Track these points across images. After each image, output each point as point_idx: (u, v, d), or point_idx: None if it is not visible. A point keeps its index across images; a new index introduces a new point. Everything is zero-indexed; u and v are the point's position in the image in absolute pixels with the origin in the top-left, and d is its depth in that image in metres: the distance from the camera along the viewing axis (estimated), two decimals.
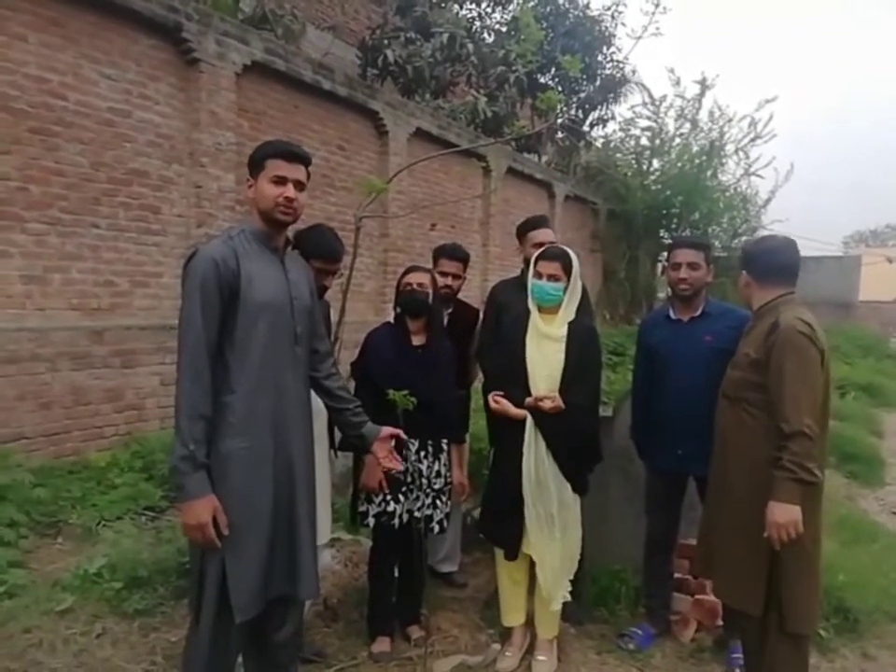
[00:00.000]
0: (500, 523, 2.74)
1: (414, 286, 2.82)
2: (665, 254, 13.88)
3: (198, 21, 5.18)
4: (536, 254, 2.79)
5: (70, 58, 4.53)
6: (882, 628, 3.16)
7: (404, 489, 2.75)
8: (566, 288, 2.69)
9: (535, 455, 2.62)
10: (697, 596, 3.13)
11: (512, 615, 2.87)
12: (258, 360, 1.97)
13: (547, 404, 2.58)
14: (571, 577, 2.73)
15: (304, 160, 2.10)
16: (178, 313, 1.95)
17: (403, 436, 2.41)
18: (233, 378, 1.94)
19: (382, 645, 2.83)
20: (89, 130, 4.65)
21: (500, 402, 2.69)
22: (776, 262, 2.44)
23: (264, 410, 1.98)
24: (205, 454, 1.87)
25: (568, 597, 2.73)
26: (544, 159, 13.05)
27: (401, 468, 2.45)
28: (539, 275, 2.70)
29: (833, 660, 2.88)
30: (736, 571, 2.34)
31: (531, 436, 2.63)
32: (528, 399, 2.64)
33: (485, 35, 11.50)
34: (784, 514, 2.13)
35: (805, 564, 2.25)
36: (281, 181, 2.01)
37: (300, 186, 2.06)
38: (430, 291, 2.85)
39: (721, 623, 2.96)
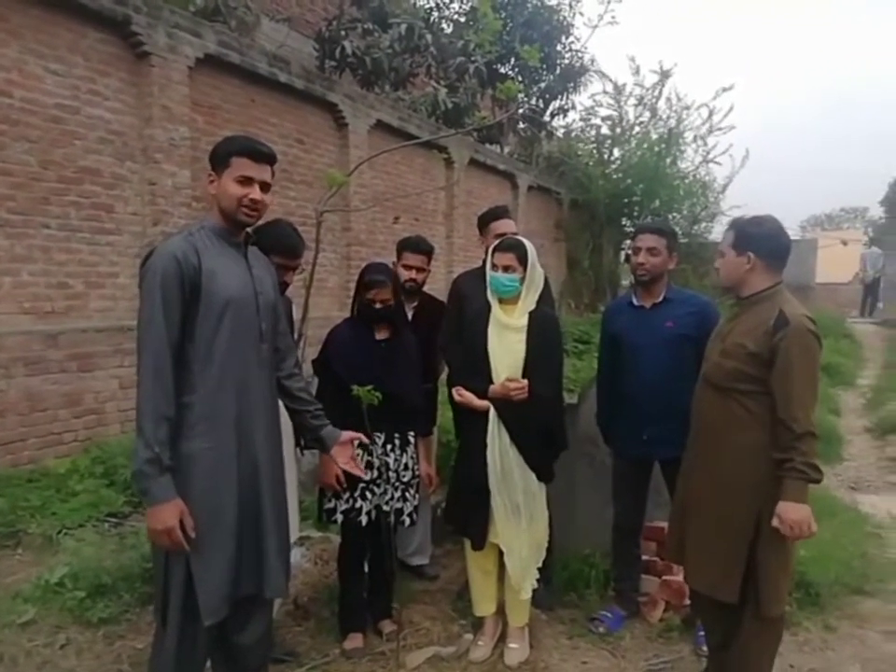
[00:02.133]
0: (467, 513, 2.75)
1: (378, 303, 2.76)
2: (629, 242, 14.06)
3: (147, 14, 5.04)
4: (492, 246, 2.79)
5: (14, 53, 4.37)
6: (842, 600, 3.26)
7: (371, 485, 2.74)
8: (522, 279, 2.69)
9: (499, 446, 2.63)
10: (665, 577, 3.18)
11: (483, 605, 2.88)
12: (221, 358, 1.92)
13: (512, 385, 2.58)
14: (539, 565, 2.75)
15: (271, 159, 2.06)
16: (137, 313, 1.90)
17: (365, 439, 2.39)
18: (196, 377, 1.90)
19: (354, 641, 2.82)
20: (36, 127, 4.50)
21: (463, 395, 2.69)
22: (779, 247, 2.31)
23: (227, 409, 1.94)
24: (170, 456, 1.83)
25: (536, 585, 2.75)
26: (506, 150, 13.06)
27: (365, 476, 2.47)
28: (494, 267, 2.70)
29: (797, 633, 2.96)
30: (713, 560, 2.30)
31: (494, 427, 2.63)
32: (493, 387, 2.64)
33: (444, 25, 11.45)
34: (798, 513, 2.12)
35: (784, 551, 2.27)
36: (247, 181, 1.97)
37: (265, 187, 2.02)
38: (393, 303, 2.79)
39: (688, 602, 3.02)
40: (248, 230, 2.14)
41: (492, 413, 2.63)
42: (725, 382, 2.31)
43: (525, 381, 2.60)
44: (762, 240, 2.31)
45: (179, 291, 1.85)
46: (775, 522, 2.16)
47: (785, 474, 2.15)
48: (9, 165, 4.35)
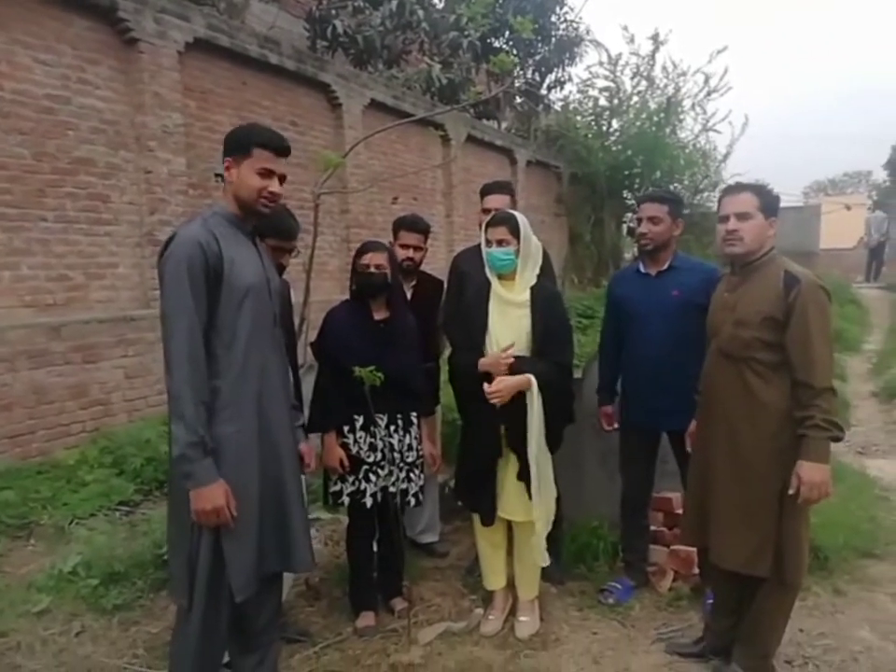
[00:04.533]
0: (475, 489, 2.76)
1: (372, 268, 2.75)
2: (630, 215, 13.97)
3: (134, 0, 4.97)
4: (485, 221, 2.77)
5: (1, 45, 4.32)
6: (851, 564, 3.27)
7: (375, 466, 2.75)
8: (517, 251, 2.67)
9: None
10: (673, 547, 3.20)
11: (493, 578, 2.90)
12: (242, 344, 1.96)
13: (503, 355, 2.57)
14: (549, 529, 2.71)
15: (289, 152, 2.09)
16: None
17: (310, 465, 2.46)
18: (221, 363, 1.93)
19: (366, 620, 2.84)
20: (28, 119, 4.47)
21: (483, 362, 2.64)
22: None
23: (250, 393, 1.98)
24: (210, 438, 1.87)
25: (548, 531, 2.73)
26: (504, 125, 12.93)
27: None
28: (488, 243, 2.68)
29: (805, 598, 2.95)
30: (745, 538, 2.28)
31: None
32: (483, 360, 2.63)
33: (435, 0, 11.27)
34: (820, 474, 2.11)
35: (805, 514, 2.28)
36: (268, 174, 2.00)
37: (283, 179, 2.06)
38: (388, 270, 2.78)
39: (696, 571, 3.03)
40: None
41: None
42: (742, 352, 2.29)
43: (510, 352, 2.57)
44: (778, 206, 2.37)
45: (204, 277, 1.87)
46: (793, 482, 2.15)
47: (806, 432, 2.14)
48: (3, 158, 4.33)
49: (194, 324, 1.85)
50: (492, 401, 2.54)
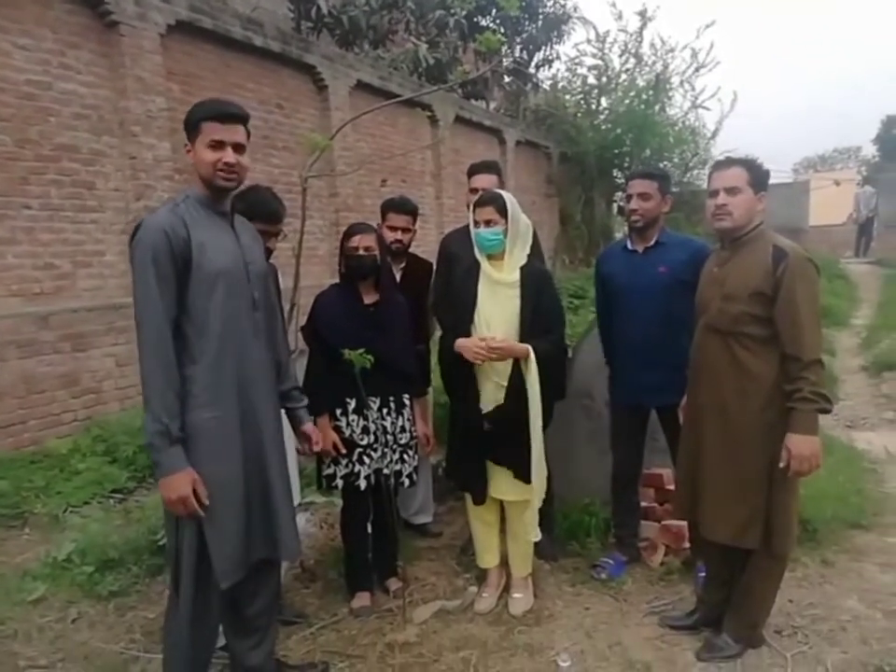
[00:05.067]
0: (466, 469, 2.77)
1: (361, 250, 2.73)
2: (620, 194, 13.93)
3: None
4: (472, 202, 2.75)
5: None
6: (839, 535, 3.31)
7: (368, 449, 2.76)
8: (506, 231, 2.66)
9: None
10: (664, 522, 3.23)
11: (487, 556, 2.92)
12: (217, 329, 1.94)
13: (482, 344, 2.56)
14: (539, 504, 2.74)
15: (241, 118, 2.01)
16: (131, 289, 1.90)
17: (318, 444, 2.42)
18: (195, 349, 1.92)
19: (361, 600, 2.87)
20: (8, 105, 4.40)
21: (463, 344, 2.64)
22: None
23: (228, 379, 1.97)
24: (179, 426, 1.86)
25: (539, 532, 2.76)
26: (492, 105, 12.83)
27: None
28: (476, 223, 2.67)
29: (794, 569, 3.00)
30: (735, 511, 2.30)
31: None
32: (461, 340, 2.64)
33: None
34: (810, 446, 2.13)
35: (795, 487, 2.30)
36: (218, 145, 1.94)
37: (239, 148, 1.98)
38: (377, 252, 2.77)
39: (687, 545, 3.06)
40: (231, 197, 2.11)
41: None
42: (731, 327, 2.29)
43: (490, 341, 2.55)
44: (767, 180, 2.36)
45: (171, 265, 1.85)
46: (783, 455, 2.17)
47: (795, 404, 2.16)
48: None
49: (161, 313, 1.84)
50: (488, 355, 2.53)
